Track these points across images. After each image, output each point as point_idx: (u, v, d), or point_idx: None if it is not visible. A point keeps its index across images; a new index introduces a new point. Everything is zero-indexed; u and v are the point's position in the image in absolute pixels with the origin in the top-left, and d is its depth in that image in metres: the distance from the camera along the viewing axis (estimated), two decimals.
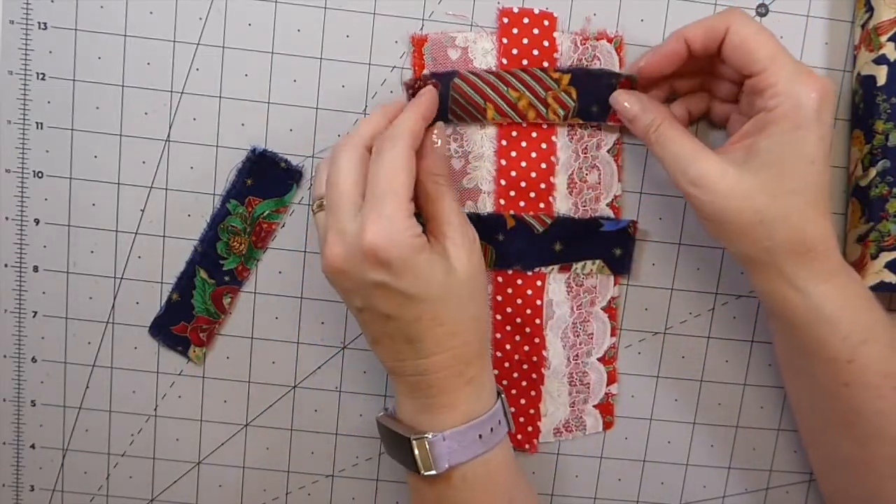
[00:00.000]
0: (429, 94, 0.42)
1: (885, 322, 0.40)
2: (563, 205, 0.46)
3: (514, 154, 0.45)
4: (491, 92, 0.43)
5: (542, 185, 0.45)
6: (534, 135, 0.45)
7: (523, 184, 0.45)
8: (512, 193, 0.45)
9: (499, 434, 0.41)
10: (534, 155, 0.45)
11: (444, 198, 0.40)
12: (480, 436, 0.40)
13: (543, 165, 0.45)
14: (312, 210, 0.42)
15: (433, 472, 0.39)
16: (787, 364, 0.45)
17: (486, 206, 0.46)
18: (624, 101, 0.42)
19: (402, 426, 0.41)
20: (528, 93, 0.43)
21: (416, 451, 0.39)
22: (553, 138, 0.45)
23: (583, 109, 0.44)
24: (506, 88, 0.43)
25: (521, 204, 0.45)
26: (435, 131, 0.42)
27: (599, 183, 0.46)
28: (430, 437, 0.39)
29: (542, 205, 0.46)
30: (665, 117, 0.41)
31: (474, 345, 0.40)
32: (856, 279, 0.41)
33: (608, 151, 0.46)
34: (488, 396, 0.41)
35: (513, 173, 0.45)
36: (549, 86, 0.43)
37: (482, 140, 0.45)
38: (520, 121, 0.44)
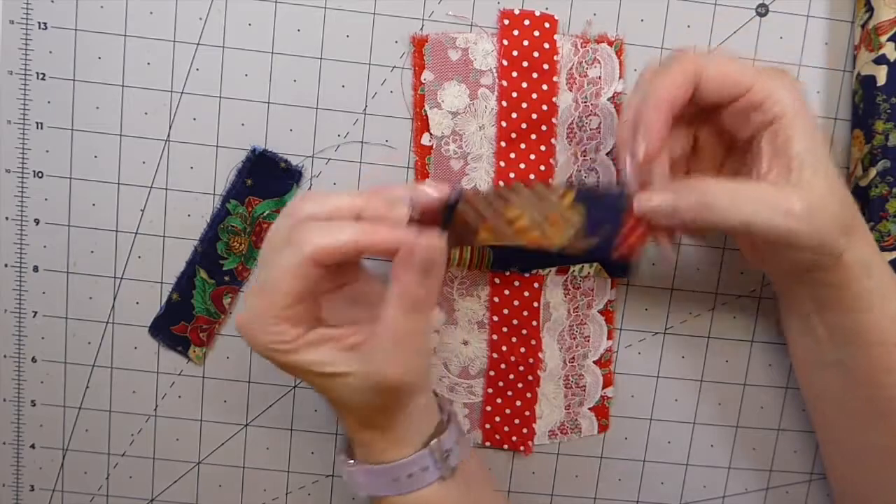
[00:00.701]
0: (388, 234, 0.34)
1: None
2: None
3: (513, 156, 0.45)
4: (490, 212, 0.37)
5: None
6: (533, 136, 0.45)
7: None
8: None
9: (421, 479, 0.39)
10: (532, 157, 0.45)
11: (388, 318, 0.35)
12: (396, 479, 0.39)
13: (542, 168, 0.45)
14: None
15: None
16: (812, 360, 0.43)
17: None
18: (657, 200, 0.37)
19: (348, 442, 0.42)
20: (529, 217, 0.37)
21: (342, 471, 0.40)
22: (552, 141, 0.45)
23: (591, 229, 0.38)
24: (507, 211, 0.37)
25: None
26: (425, 244, 0.35)
27: (598, 185, 0.46)
28: (348, 463, 0.40)
29: None
30: (703, 180, 0.37)
31: (363, 427, 0.39)
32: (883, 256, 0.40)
33: (607, 154, 0.46)
34: (405, 448, 0.39)
35: (511, 175, 0.45)
36: (551, 206, 0.38)
37: (481, 141, 0.45)
38: (518, 243, 0.38)
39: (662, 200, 0.37)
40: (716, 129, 0.40)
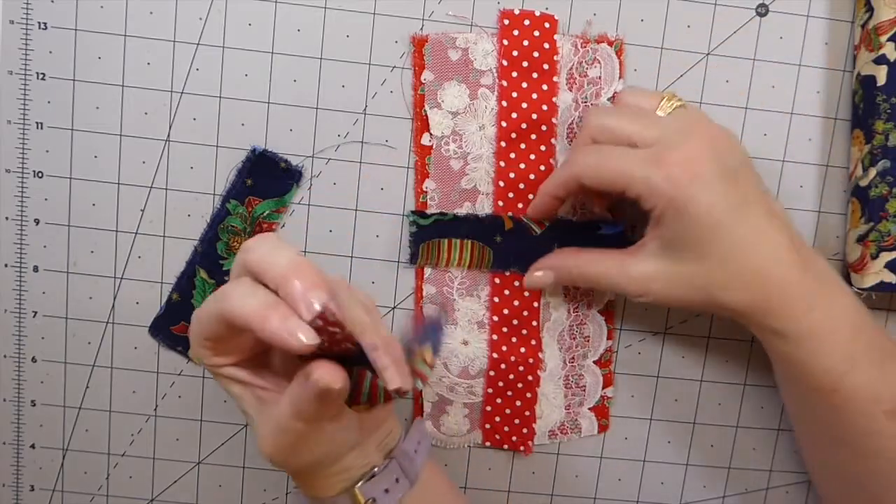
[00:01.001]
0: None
1: (872, 343, 0.40)
2: (561, 207, 0.46)
3: (513, 156, 0.45)
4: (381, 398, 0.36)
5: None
6: (533, 137, 0.45)
7: (522, 185, 0.45)
8: (510, 195, 0.45)
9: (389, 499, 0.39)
10: (533, 157, 0.45)
11: (279, 406, 0.35)
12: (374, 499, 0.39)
13: (542, 168, 0.45)
14: None
15: None
16: (780, 386, 0.46)
17: (485, 207, 0.46)
18: (537, 273, 0.45)
19: None
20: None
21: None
22: (552, 141, 0.45)
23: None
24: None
25: (520, 206, 0.45)
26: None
27: None
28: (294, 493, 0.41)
29: None
30: (575, 252, 0.43)
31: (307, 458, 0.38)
32: (841, 303, 0.40)
33: None
34: (328, 491, 0.39)
35: (511, 175, 0.45)
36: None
37: (481, 141, 0.45)
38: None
39: (543, 275, 0.44)
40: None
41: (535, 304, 0.46)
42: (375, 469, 0.39)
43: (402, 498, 0.40)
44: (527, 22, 0.44)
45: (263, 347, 0.37)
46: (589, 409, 0.49)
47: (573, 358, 0.48)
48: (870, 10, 0.43)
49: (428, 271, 0.46)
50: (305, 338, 0.31)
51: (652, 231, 0.40)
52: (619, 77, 0.45)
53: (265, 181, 0.45)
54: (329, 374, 0.32)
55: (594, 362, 0.48)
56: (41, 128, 0.45)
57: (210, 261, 0.46)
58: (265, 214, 0.46)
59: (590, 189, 0.41)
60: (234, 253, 0.46)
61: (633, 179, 0.38)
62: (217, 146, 0.45)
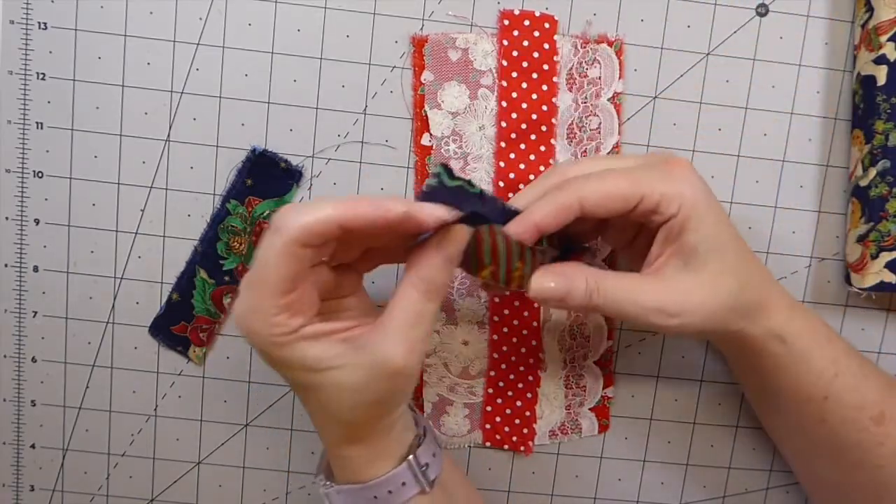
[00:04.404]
0: (367, 205, 0.33)
1: (848, 350, 0.41)
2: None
3: (512, 156, 0.45)
4: (503, 256, 0.37)
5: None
6: (533, 137, 0.45)
7: (522, 186, 0.45)
8: (510, 195, 0.45)
9: (401, 495, 0.39)
10: (532, 157, 0.45)
11: (403, 299, 0.35)
12: (376, 496, 0.39)
13: (542, 168, 0.45)
14: None
15: None
16: (761, 406, 0.46)
17: None
18: (549, 281, 0.37)
19: (325, 465, 0.42)
20: (526, 268, 0.37)
21: (322, 493, 0.40)
22: (552, 141, 0.45)
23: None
24: (515, 258, 0.37)
25: None
26: (454, 235, 0.35)
27: None
28: (325, 484, 0.40)
29: None
30: (595, 272, 0.37)
31: (346, 435, 0.38)
32: (812, 312, 0.41)
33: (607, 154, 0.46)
34: (386, 462, 0.39)
35: (511, 175, 0.45)
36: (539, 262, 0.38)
37: (481, 141, 0.45)
38: (503, 288, 0.39)
39: (556, 284, 0.37)
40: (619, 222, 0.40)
41: (536, 305, 0.46)
42: (419, 437, 0.40)
43: (440, 471, 0.40)
44: (527, 22, 0.44)
45: (337, 283, 0.37)
46: (589, 409, 0.49)
47: (573, 358, 0.48)
48: (870, 10, 0.43)
49: None
50: (444, 212, 0.33)
51: (667, 247, 0.38)
52: (619, 77, 0.45)
53: (265, 181, 0.45)
54: (458, 230, 0.35)
55: (594, 362, 0.48)
56: (41, 128, 0.45)
57: (210, 261, 0.46)
58: (265, 214, 0.46)
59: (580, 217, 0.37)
60: (234, 253, 0.46)
61: (649, 192, 0.36)
62: (217, 146, 0.45)
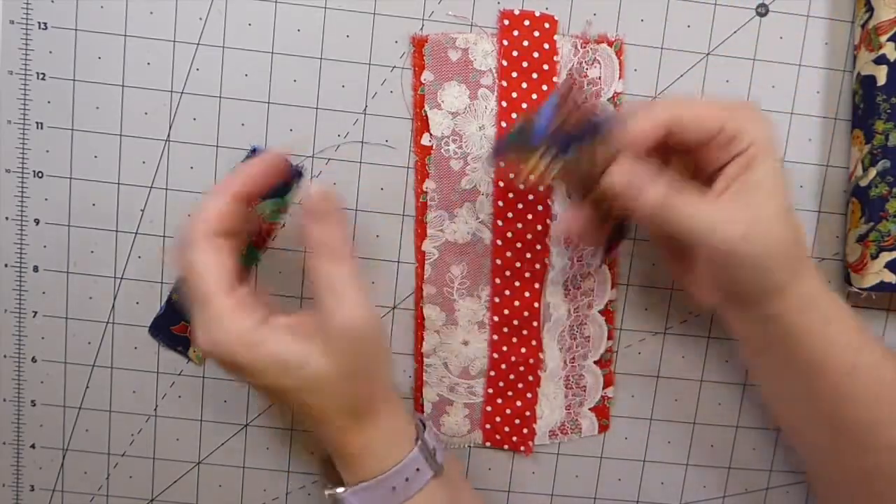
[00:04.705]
0: (247, 168, 0.39)
1: (863, 325, 0.41)
2: (561, 207, 0.46)
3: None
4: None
5: (541, 188, 0.45)
6: None
7: (521, 186, 0.45)
8: (510, 195, 0.45)
9: (418, 481, 0.40)
10: None
11: (321, 276, 0.37)
12: (394, 487, 0.39)
13: None
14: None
15: None
16: (778, 395, 0.44)
17: (485, 207, 0.46)
18: (627, 174, 0.38)
19: (330, 473, 0.42)
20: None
21: (338, 500, 0.40)
22: None
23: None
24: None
25: (520, 206, 0.45)
26: (314, 191, 0.38)
27: None
28: (339, 492, 0.40)
29: (540, 207, 0.45)
30: (669, 183, 0.38)
31: (358, 425, 0.39)
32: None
33: None
34: (399, 448, 0.40)
35: (511, 175, 0.45)
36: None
37: (481, 141, 0.45)
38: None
39: (633, 178, 0.38)
40: (682, 161, 0.41)
41: (536, 305, 0.46)
42: (419, 427, 0.41)
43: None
44: (527, 22, 0.44)
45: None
46: (589, 409, 0.49)
47: (573, 358, 0.48)
48: (870, 10, 0.43)
49: (428, 271, 0.46)
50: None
51: (734, 183, 0.37)
52: (619, 77, 0.45)
53: None
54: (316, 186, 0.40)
55: (594, 362, 0.48)
56: (41, 128, 0.45)
57: None
58: (266, 214, 0.46)
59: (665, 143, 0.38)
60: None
61: (731, 122, 0.37)
62: (217, 146, 0.45)
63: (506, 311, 0.47)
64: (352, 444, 0.39)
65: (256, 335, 0.36)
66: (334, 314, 0.36)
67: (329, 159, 0.46)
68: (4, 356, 0.48)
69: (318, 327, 0.37)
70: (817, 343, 0.40)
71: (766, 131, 0.37)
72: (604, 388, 0.48)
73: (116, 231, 0.46)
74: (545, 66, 0.44)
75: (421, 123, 0.45)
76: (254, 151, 0.45)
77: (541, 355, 0.47)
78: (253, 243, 0.46)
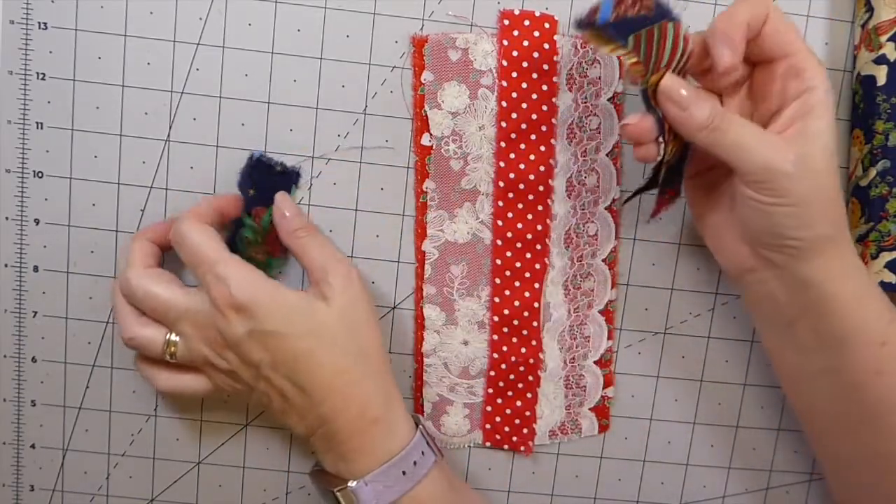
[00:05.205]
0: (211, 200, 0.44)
1: (888, 299, 0.41)
2: (561, 207, 0.46)
3: (512, 156, 0.45)
4: (663, 52, 0.37)
5: (541, 188, 0.45)
6: (533, 137, 0.45)
7: (522, 186, 0.45)
8: (510, 195, 0.45)
9: (424, 465, 0.41)
10: (532, 157, 0.45)
11: (307, 248, 0.43)
12: (404, 472, 0.40)
13: (542, 168, 0.45)
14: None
15: None
16: (798, 371, 0.43)
17: (485, 207, 0.46)
18: (681, 88, 0.37)
19: (328, 478, 0.42)
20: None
21: (343, 502, 0.40)
22: (552, 141, 0.45)
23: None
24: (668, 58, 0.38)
25: (520, 206, 0.45)
26: (279, 201, 0.44)
27: (598, 186, 0.46)
28: (351, 485, 0.40)
29: (540, 207, 0.45)
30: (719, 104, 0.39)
31: (366, 383, 0.41)
32: None
33: (607, 155, 0.46)
34: (404, 431, 0.41)
35: (511, 175, 0.45)
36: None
37: (481, 141, 0.45)
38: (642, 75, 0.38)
39: (686, 93, 0.37)
40: (744, 96, 0.41)
41: (536, 305, 0.46)
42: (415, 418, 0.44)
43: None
44: (527, 22, 0.44)
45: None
46: (589, 409, 0.49)
47: (573, 358, 0.48)
48: (870, 10, 0.43)
49: (428, 271, 0.46)
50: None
51: (796, 122, 0.37)
52: (619, 77, 0.45)
53: (266, 189, 0.45)
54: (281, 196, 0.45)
55: (594, 362, 0.48)
56: (41, 128, 0.45)
57: None
58: (265, 223, 0.45)
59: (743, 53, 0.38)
60: (254, 258, 0.45)
61: (808, 55, 0.38)
62: (217, 146, 0.45)
63: (506, 311, 0.47)
64: (360, 438, 0.40)
65: (273, 283, 0.40)
66: (327, 286, 0.41)
67: (329, 159, 0.46)
68: (4, 356, 0.48)
69: (317, 294, 0.41)
70: (853, 313, 0.39)
71: (827, 82, 0.38)
72: (604, 388, 0.48)
73: (116, 231, 0.46)
74: (545, 66, 0.44)
75: (421, 123, 0.45)
76: (251, 158, 0.45)
77: (541, 355, 0.47)
78: (269, 253, 0.45)
